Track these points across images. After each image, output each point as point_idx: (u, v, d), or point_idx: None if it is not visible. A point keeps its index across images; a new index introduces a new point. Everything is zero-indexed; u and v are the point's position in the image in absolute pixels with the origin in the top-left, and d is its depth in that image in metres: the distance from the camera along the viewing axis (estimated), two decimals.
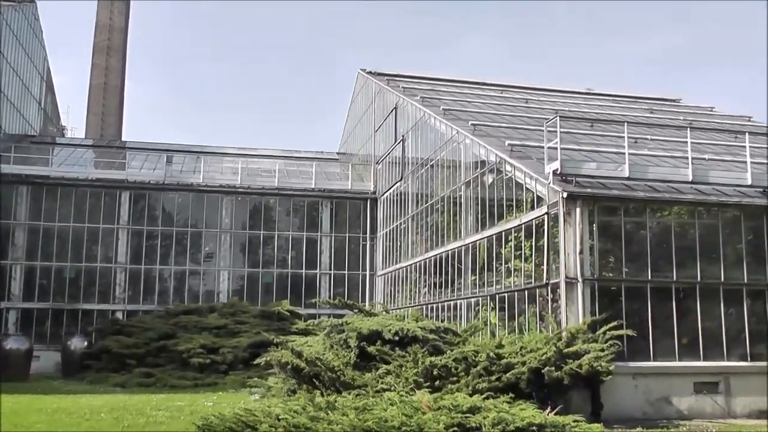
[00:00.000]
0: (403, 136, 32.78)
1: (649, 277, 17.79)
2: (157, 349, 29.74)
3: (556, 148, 17.86)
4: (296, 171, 39.38)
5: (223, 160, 40.41)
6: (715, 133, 26.42)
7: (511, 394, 14.01)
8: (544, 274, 18.19)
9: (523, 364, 15.48)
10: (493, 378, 15.23)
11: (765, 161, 21.74)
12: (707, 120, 33.71)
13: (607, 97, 39.23)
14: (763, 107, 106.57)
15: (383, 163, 36.45)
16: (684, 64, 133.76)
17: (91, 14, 73.62)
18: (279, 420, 10.80)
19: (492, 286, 21.76)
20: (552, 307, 17.80)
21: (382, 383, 15.37)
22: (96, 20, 68.86)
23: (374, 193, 37.60)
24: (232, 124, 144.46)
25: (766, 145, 24.37)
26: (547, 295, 18.11)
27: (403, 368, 15.87)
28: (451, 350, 16.48)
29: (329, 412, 11.25)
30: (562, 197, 17.35)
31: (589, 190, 17.72)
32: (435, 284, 27.21)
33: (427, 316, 25.89)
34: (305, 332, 21.41)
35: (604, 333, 16.24)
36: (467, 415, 11.01)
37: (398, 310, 28.94)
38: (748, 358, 17.98)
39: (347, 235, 37.72)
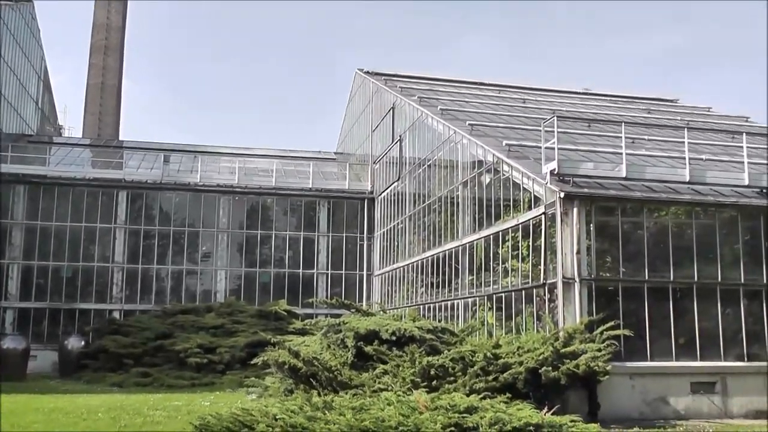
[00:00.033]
0: (400, 136, 32.78)
1: (646, 277, 17.81)
2: (154, 349, 29.72)
3: (553, 148, 17.86)
4: (293, 171, 39.37)
5: (221, 159, 40.41)
6: (713, 134, 26.43)
7: (508, 394, 14.03)
8: (542, 274, 18.20)
9: (521, 364, 15.48)
10: (491, 378, 15.24)
11: (762, 161, 21.80)
12: (704, 120, 33.77)
13: (605, 98, 39.26)
14: (763, 107, 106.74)
15: (380, 163, 36.44)
16: (684, 64, 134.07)
17: (88, 14, 73.91)
18: (276, 420, 10.79)
19: (489, 286, 21.76)
20: (549, 307, 17.81)
21: (379, 383, 15.38)
22: (93, 20, 68.82)
23: (371, 192, 37.60)
24: (229, 123, 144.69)
25: (763, 146, 24.42)
26: (545, 295, 18.12)
27: (401, 368, 15.87)
28: (449, 350, 16.49)
29: (326, 411, 11.24)
30: (560, 197, 17.36)
31: (586, 190, 17.73)
32: (432, 284, 27.21)
33: (424, 316, 25.88)
34: (302, 332, 21.41)
35: (601, 333, 16.25)
36: (464, 415, 11.00)
37: (395, 310, 28.95)
38: (745, 359, 18.00)
39: (344, 234, 37.73)
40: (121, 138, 59.58)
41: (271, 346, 18.64)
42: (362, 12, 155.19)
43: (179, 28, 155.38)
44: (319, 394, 13.84)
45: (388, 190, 34.70)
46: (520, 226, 19.76)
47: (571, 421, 11.34)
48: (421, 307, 27.55)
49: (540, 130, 19.36)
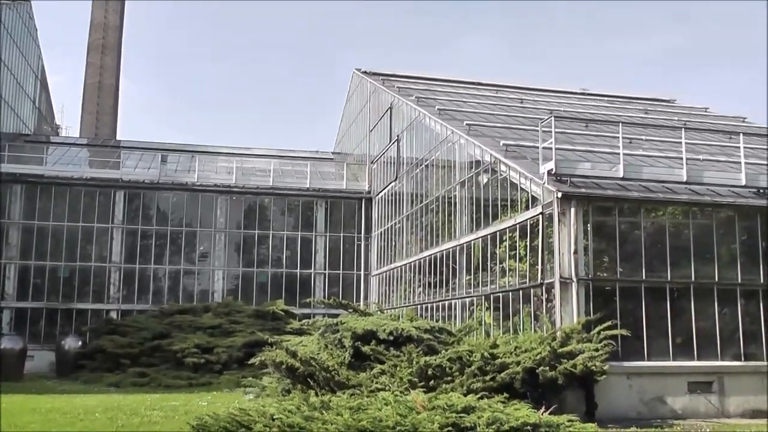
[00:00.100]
0: (398, 135, 32.79)
1: (644, 277, 17.82)
2: (152, 349, 29.69)
3: (550, 148, 17.87)
4: (291, 170, 39.37)
5: (218, 159, 40.38)
6: (710, 134, 26.49)
7: (505, 394, 14.07)
8: (539, 274, 18.21)
9: (518, 363, 15.49)
10: (488, 378, 15.25)
11: (759, 162, 21.84)
12: (702, 121, 33.81)
13: (602, 98, 39.29)
14: (763, 107, 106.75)
15: (378, 163, 36.45)
16: (684, 64, 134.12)
17: (85, 13, 73.80)
18: (273, 420, 10.80)
19: (486, 285, 21.77)
20: (546, 306, 17.81)
21: (376, 383, 15.39)
22: (91, 19, 68.76)
23: (369, 192, 37.61)
24: (227, 123, 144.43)
25: (760, 146, 24.46)
26: (542, 294, 18.12)
27: (398, 368, 15.89)
28: (446, 350, 16.50)
29: (324, 411, 11.25)
30: (557, 197, 17.37)
31: (583, 190, 17.74)
32: (430, 284, 27.22)
33: (421, 315, 25.88)
34: (300, 332, 21.44)
35: (599, 333, 16.25)
36: (462, 414, 11.02)
37: (393, 310, 28.96)
38: (742, 358, 18.02)
39: (342, 234, 37.74)
40: (118, 137, 59.57)
41: (268, 346, 18.64)
42: (362, 12, 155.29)
43: (177, 28, 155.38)
44: (316, 394, 13.86)
45: (386, 190, 34.71)
46: (518, 226, 19.77)
47: (569, 420, 11.36)
48: (419, 307, 27.56)
49: (537, 130, 19.39)
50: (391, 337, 16.99)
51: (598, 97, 39.27)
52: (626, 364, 16.99)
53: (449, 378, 15.49)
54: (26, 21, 42.79)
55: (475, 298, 22.69)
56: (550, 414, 11.73)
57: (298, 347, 17.98)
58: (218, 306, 33.85)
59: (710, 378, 17.58)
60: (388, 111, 34.50)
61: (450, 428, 10.62)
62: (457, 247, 24.35)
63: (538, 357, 15.48)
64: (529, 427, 10.87)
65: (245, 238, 37.15)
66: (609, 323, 16.44)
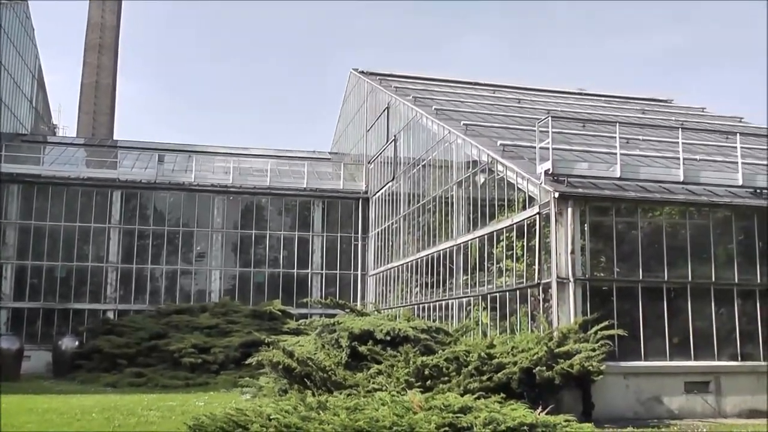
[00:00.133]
0: (395, 135, 32.79)
1: (641, 277, 17.83)
2: (149, 349, 29.68)
3: (547, 148, 17.88)
4: (288, 170, 39.37)
5: (215, 159, 40.38)
6: (707, 134, 26.52)
7: (502, 394, 14.02)
8: (536, 274, 18.22)
9: (515, 364, 15.50)
10: (485, 378, 15.25)
11: (756, 161, 21.86)
12: (698, 121, 33.84)
13: (599, 98, 39.30)
14: (763, 107, 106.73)
15: (375, 163, 36.45)
16: (684, 64, 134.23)
17: (82, 12, 73.67)
18: (270, 420, 10.80)
19: (483, 286, 21.78)
20: (543, 307, 17.82)
21: (373, 383, 15.38)
22: (88, 18, 68.65)
23: (366, 192, 37.61)
24: (224, 123, 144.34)
25: (757, 146, 24.48)
26: (539, 295, 18.13)
27: (395, 368, 15.88)
28: (443, 350, 16.50)
29: (320, 411, 11.24)
30: (554, 197, 17.38)
31: (580, 190, 17.75)
32: (426, 284, 27.22)
33: (418, 315, 25.89)
34: (297, 332, 21.40)
35: (596, 333, 16.27)
36: (458, 414, 11.02)
37: (390, 310, 28.97)
38: (739, 358, 18.04)
39: (339, 234, 37.74)
40: (115, 137, 59.41)
41: (265, 346, 18.62)
42: (362, 12, 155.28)
43: (174, 28, 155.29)
44: (313, 394, 13.84)
45: (383, 190, 34.71)
46: (515, 226, 19.77)
47: (566, 420, 11.36)
48: (416, 307, 27.56)
49: (534, 130, 19.41)
50: (388, 337, 16.98)
51: (596, 97, 39.28)
52: (623, 364, 17.00)
53: (446, 378, 15.49)
54: (23, 20, 42.73)
55: (472, 298, 22.70)
56: (547, 414, 11.74)
57: (295, 347, 17.97)
58: (215, 306, 33.84)
59: (707, 378, 17.60)
60: (385, 111, 34.50)
61: (447, 428, 10.62)
62: (454, 247, 24.35)
63: (535, 357, 15.49)
64: (525, 428, 10.87)
65: (242, 238, 37.13)
66: (606, 323, 16.45)
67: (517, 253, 19.72)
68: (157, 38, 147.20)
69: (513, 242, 19.96)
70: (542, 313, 17.78)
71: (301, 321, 22.92)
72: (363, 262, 37.27)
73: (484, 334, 20.28)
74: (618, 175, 18.17)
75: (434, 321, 23.24)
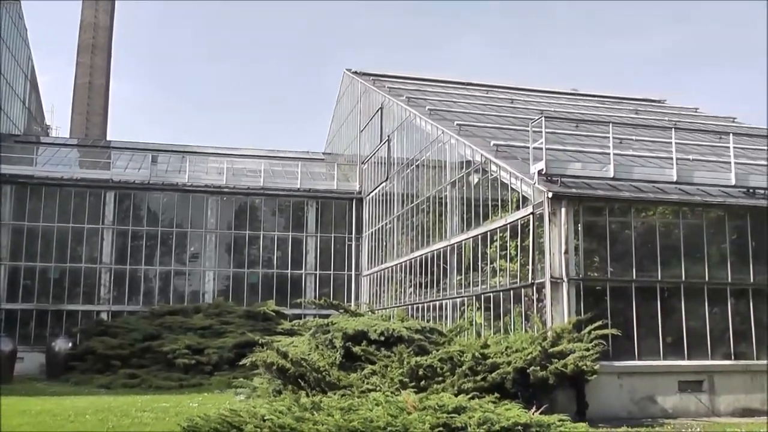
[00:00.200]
0: (388, 136, 32.79)
1: (634, 277, 17.85)
2: (142, 350, 29.63)
3: (541, 149, 17.89)
4: (281, 171, 39.34)
5: (209, 160, 40.32)
6: (700, 134, 26.58)
7: (496, 394, 14.07)
8: (530, 274, 18.22)
9: (509, 363, 15.50)
10: (479, 378, 15.25)
11: (749, 161, 21.92)
12: (692, 121, 33.92)
13: (593, 98, 39.37)
14: (763, 107, 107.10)
15: (369, 163, 36.44)
16: (684, 64, 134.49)
17: (75, 13, 73.55)
18: (264, 420, 10.79)
19: (477, 286, 21.79)
20: (537, 306, 17.83)
21: (367, 383, 15.38)
22: (81, 19, 68.58)
23: (360, 193, 37.61)
24: (218, 124, 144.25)
25: (750, 146, 24.56)
26: (533, 294, 18.14)
27: (389, 368, 15.88)
28: (437, 350, 16.51)
29: (314, 412, 11.24)
30: (548, 197, 17.39)
31: (574, 190, 17.76)
32: (420, 284, 27.22)
33: (412, 316, 25.90)
34: (291, 332, 21.41)
35: (590, 332, 16.28)
36: (452, 415, 11.02)
37: (384, 311, 28.98)
38: (732, 357, 18.07)
39: (333, 235, 37.72)
40: (108, 138, 59.35)
41: (259, 347, 18.60)
42: (361, 12, 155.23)
43: (167, 28, 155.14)
44: (307, 395, 13.84)
45: (377, 191, 34.71)
46: (509, 226, 19.78)
47: (560, 420, 11.38)
48: (410, 307, 27.56)
49: (528, 131, 19.43)
50: (382, 338, 16.99)
51: (589, 98, 39.35)
52: (617, 363, 17.02)
53: (440, 378, 15.49)
54: (16, 21, 42.66)
55: (466, 299, 22.70)
56: (541, 414, 11.75)
57: (289, 348, 17.96)
58: (209, 307, 33.81)
59: (700, 377, 17.63)
60: (379, 111, 34.50)
61: (441, 428, 10.62)
62: (448, 248, 24.36)
63: (529, 357, 15.50)
64: (520, 427, 10.88)
65: (236, 238, 37.11)
66: (600, 323, 16.46)
67: (510, 253, 19.73)
68: (150, 38, 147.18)
69: (507, 242, 19.97)
70: (536, 312, 17.79)
71: (295, 321, 22.95)
72: (357, 262, 37.26)
73: (478, 334, 20.30)
74: (611, 175, 18.19)
75: (428, 321, 23.26)
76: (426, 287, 26.47)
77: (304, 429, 10.48)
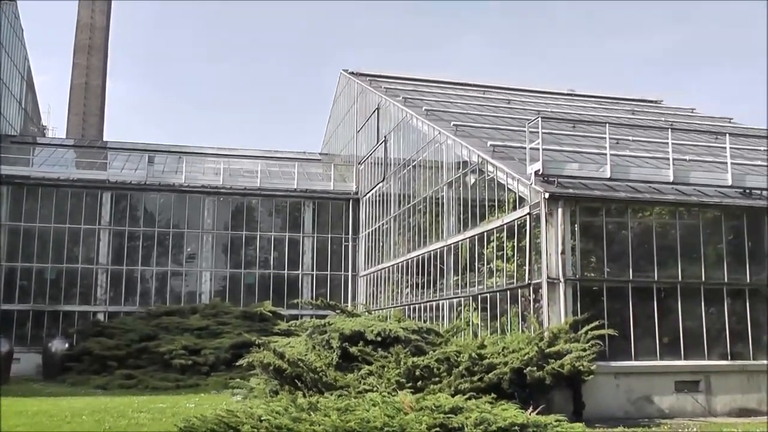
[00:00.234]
0: (385, 136, 32.79)
1: (631, 277, 17.87)
2: (139, 351, 29.60)
3: (538, 149, 17.90)
4: (278, 171, 39.34)
5: (205, 160, 40.32)
6: (696, 134, 26.60)
7: (493, 395, 14.07)
8: (526, 275, 18.23)
9: (506, 364, 15.51)
10: (476, 378, 15.25)
11: (746, 162, 21.95)
12: (688, 121, 33.96)
13: (589, 99, 39.39)
14: (763, 107, 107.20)
15: (365, 164, 36.44)
16: (684, 64, 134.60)
17: (72, 13, 73.36)
18: (261, 421, 10.78)
19: (474, 286, 21.79)
20: (534, 307, 17.84)
21: (364, 384, 15.37)
22: (77, 19, 68.49)
23: (356, 193, 37.60)
24: (215, 124, 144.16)
25: (747, 146, 24.60)
26: (529, 295, 18.15)
27: (386, 369, 15.87)
28: (434, 351, 16.50)
29: (311, 413, 11.24)
30: (544, 198, 17.40)
31: (570, 190, 17.77)
32: (417, 285, 27.22)
33: (409, 316, 25.90)
34: (287, 333, 21.37)
35: (586, 333, 16.29)
36: (449, 415, 11.03)
37: (381, 311, 28.96)
38: (729, 357, 18.10)
39: (329, 235, 37.72)
40: (105, 138, 59.21)
41: (256, 348, 18.58)
42: (361, 12, 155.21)
43: (164, 28, 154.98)
44: (304, 395, 13.82)
45: (373, 191, 34.70)
46: (505, 226, 19.79)
47: (556, 420, 11.39)
48: (407, 307, 27.56)
49: (525, 131, 19.43)
50: (379, 338, 16.97)
51: (586, 98, 39.36)
52: (614, 363, 17.03)
53: (437, 379, 15.49)
54: (12, 21, 42.57)
55: (462, 299, 22.71)
56: (537, 414, 11.76)
57: (286, 348, 17.94)
58: (206, 307, 33.80)
59: (697, 377, 17.64)
60: (376, 112, 34.50)
61: (438, 429, 10.63)
62: (445, 248, 24.36)
63: (525, 357, 15.50)
64: (516, 428, 10.88)
65: (233, 239, 37.09)
66: (596, 323, 16.47)
67: (507, 254, 19.74)
68: (147, 39, 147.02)
69: (503, 243, 19.98)
70: (533, 313, 17.80)
71: (291, 322, 22.88)
72: (354, 263, 37.26)
73: (475, 335, 20.30)
74: (608, 176, 18.20)
75: (425, 322, 23.25)
76: (423, 288, 26.48)
77: (301, 429, 10.48)
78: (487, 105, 32.10)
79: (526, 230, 18.47)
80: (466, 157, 23.15)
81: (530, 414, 11.62)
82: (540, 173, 17.74)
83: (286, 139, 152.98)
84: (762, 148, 25.18)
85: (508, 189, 19.75)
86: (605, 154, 18.59)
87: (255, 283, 36.62)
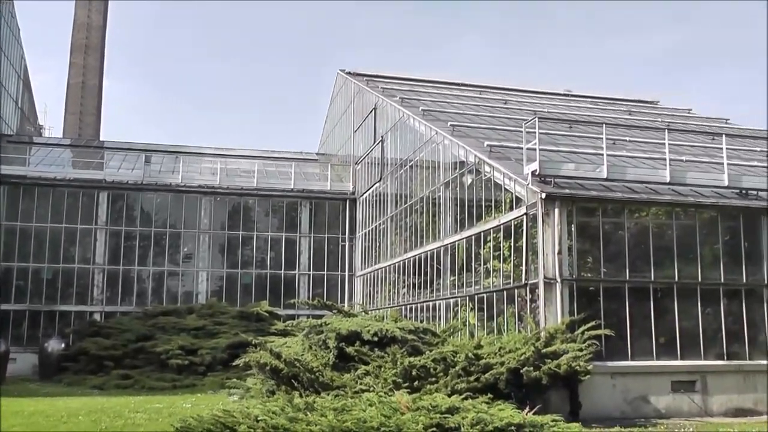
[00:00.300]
0: (382, 136, 32.79)
1: (627, 277, 17.89)
2: (135, 351, 29.59)
3: (534, 149, 17.92)
4: (275, 171, 39.31)
5: (202, 160, 40.29)
6: (693, 135, 26.65)
7: (489, 395, 14.06)
8: (523, 275, 18.24)
9: (502, 364, 15.51)
10: (472, 378, 15.25)
11: (742, 162, 21.99)
12: (685, 122, 34.02)
13: (586, 99, 39.45)
14: (764, 107, 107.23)
15: (362, 164, 36.45)
16: (684, 64, 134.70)
17: (68, 12, 73.37)
18: (257, 421, 10.77)
19: (471, 286, 21.80)
20: (531, 307, 17.85)
21: (361, 384, 15.36)
22: (74, 18, 68.40)
23: (353, 193, 37.59)
24: (212, 124, 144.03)
25: (744, 147, 24.64)
26: (526, 295, 18.16)
27: (382, 369, 15.87)
28: (430, 351, 16.50)
29: (308, 413, 11.23)
30: (541, 198, 17.41)
31: (567, 190, 17.78)
32: (414, 285, 27.22)
33: (406, 316, 25.91)
34: (284, 333, 21.36)
35: (583, 333, 16.31)
36: (446, 415, 11.02)
37: (377, 311, 28.90)
38: (725, 357, 18.12)
39: (326, 235, 37.70)
40: (101, 138, 59.22)
41: (252, 348, 18.56)
42: (361, 12, 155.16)
43: (161, 28, 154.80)
44: (300, 395, 13.82)
45: (370, 191, 34.70)
46: (502, 226, 19.80)
47: (553, 420, 11.38)
48: (403, 307, 27.57)
49: (521, 131, 19.45)
50: (376, 338, 16.96)
51: (582, 99, 39.43)
52: (610, 363, 17.05)
53: (433, 379, 15.49)
54: (8, 20, 42.53)
55: (459, 299, 22.72)
56: (534, 414, 11.75)
57: (283, 348, 17.93)
58: (202, 307, 33.79)
59: (693, 377, 17.67)
60: (372, 112, 34.50)
61: (434, 429, 10.62)
62: (442, 248, 24.36)
63: (522, 357, 15.51)
64: (513, 428, 10.88)
65: (229, 239, 37.07)
66: (593, 323, 16.50)
67: (504, 254, 19.74)
68: (144, 38, 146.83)
69: (500, 243, 19.99)
70: (529, 313, 17.81)
71: (288, 322, 22.87)
72: (350, 262, 37.25)
73: (472, 335, 20.30)
74: (605, 176, 18.22)
75: (421, 322, 23.25)
76: (419, 288, 26.48)
77: (298, 429, 10.47)
78: (483, 105, 32.13)
79: (522, 230, 18.47)
80: (462, 158, 23.15)
81: (527, 414, 11.62)
82: (537, 173, 17.76)
83: (284, 139, 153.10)
84: (758, 149, 25.25)
85: (505, 189, 19.76)
86: (602, 155, 18.59)
87: (252, 283, 36.60)
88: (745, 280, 18.66)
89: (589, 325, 16.43)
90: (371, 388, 14.74)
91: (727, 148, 19.69)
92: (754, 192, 19.43)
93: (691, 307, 18.16)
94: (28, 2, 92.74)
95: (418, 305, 26.20)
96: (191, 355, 29.04)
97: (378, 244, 33.22)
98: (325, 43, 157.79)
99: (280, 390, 16.41)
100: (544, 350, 15.70)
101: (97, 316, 34.22)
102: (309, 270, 37.27)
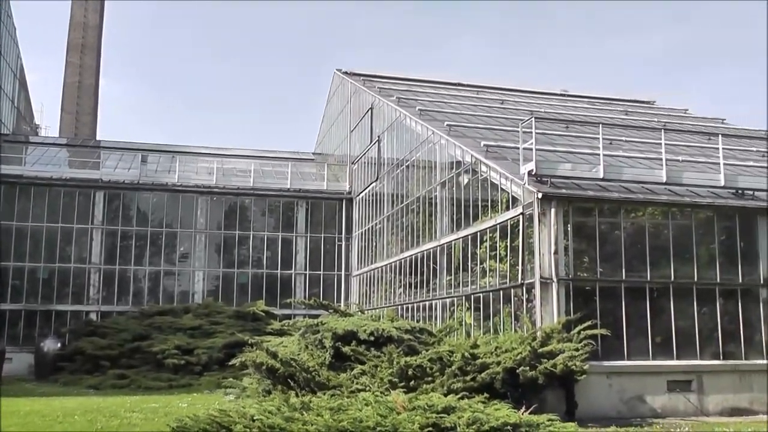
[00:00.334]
0: (378, 136, 32.79)
1: (624, 277, 17.89)
2: (132, 351, 29.54)
3: (531, 149, 17.92)
4: (271, 171, 39.30)
5: (199, 160, 40.23)
6: (689, 135, 26.67)
7: (485, 394, 14.09)
8: (519, 275, 18.24)
9: (498, 364, 15.52)
10: (468, 378, 15.26)
11: (738, 162, 22.02)
12: (681, 122, 34.06)
13: (582, 99, 39.47)
14: (764, 107, 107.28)
15: (359, 164, 36.44)
16: (684, 64, 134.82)
17: (65, 12, 73.29)
18: (254, 421, 10.77)
19: (467, 286, 21.80)
20: (527, 307, 17.85)
21: (357, 383, 15.38)
22: (70, 18, 68.36)
23: (350, 193, 37.60)
24: (208, 124, 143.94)
25: (740, 147, 24.67)
26: (522, 295, 18.16)
27: (378, 368, 15.88)
28: (426, 350, 16.51)
29: (304, 412, 11.23)
30: (537, 198, 17.41)
31: (564, 190, 17.79)
32: (410, 284, 27.22)
33: (402, 316, 25.89)
34: (280, 333, 21.38)
35: (579, 332, 16.30)
36: (442, 415, 11.03)
37: (373, 311, 28.96)
38: (721, 357, 18.13)
39: (323, 235, 37.70)
40: (98, 138, 59.27)
41: (249, 347, 18.58)
42: (361, 12, 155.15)
43: (158, 28, 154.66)
44: (296, 395, 13.81)
45: (367, 191, 34.70)
46: (498, 226, 19.80)
47: (549, 420, 11.39)
48: (399, 307, 27.56)
49: (518, 131, 19.44)
50: (372, 338, 16.98)
51: (579, 99, 39.45)
52: (606, 363, 17.05)
53: (430, 378, 15.50)
54: (4, 19, 42.50)
55: (455, 299, 22.72)
56: (530, 414, 11.76)
57: (279, 348, 17.94)
58: (198, 307, 33.75)
59: (689, 377, 17.68)
60: (369, 111, 34.49)
61: (430, 428, 10.63)
62: (438, 248, 24.37)
63: (518, 357, 15.51)
64: (509, 427, 10.89)
65: (226, 238, 37.06)
66: (589, 323, 16.49)
67: (500, 254, 19.75)
68: (141, 38, 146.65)
69: (496, 243, 19.99)
70: (526, 313, 17.81)
71: (284, 322, 22.91)
72: (347, 262, 37.25)
73: (468, 335, 20.31)
74: (601, 176, 18.23)
75: (418, 321, 23.25)
76: (416, 287, 26.48)
77: (294, 429, 10.47)
78: (480, 105, 32.14)
79: (519, 230, 18.47)
80: (459, 157, 23.16)
81: (523, 413, 11.62)
82: (533, 173, 17.76)
83: (280, 139, 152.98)
84: (754, 149, 25.29)
85: (501, 189, 19.76)
86: (598, 155, 18.58)
87: (248, 283, 36.59)
88: (741, 280, 18.67)
89: (585, 324, 16.43)
90: (367, 388, 14.76)
91: (723, 148, 19.68)
92: (750, 192, 19.46)
93: (687, 306, 18.18)
94: (25, 1, 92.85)
95: (415, 305, 26.20)
96: (187, 355, 29.00)
97: (374, 243, 33.22)
98: (324, 43, 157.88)
99: (276, 389, 16.41)
100: (541, 350, 15.71)
101: (93, 316, 34.20)
102: (305, 270, 37.26)
